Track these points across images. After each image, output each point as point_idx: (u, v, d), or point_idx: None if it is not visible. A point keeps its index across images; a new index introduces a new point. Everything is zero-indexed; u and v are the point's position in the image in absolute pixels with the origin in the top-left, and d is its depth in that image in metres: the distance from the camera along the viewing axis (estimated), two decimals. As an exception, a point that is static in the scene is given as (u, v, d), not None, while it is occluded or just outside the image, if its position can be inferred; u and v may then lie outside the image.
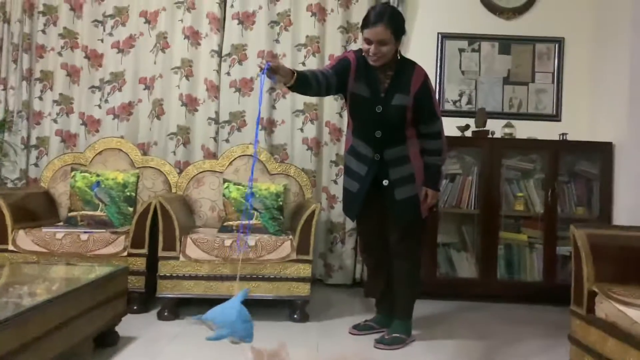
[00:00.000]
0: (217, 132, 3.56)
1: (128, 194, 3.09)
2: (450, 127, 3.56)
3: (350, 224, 3.52)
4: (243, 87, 3.57)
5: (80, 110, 3.56)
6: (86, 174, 3.11)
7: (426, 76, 2.40)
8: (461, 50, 3.69)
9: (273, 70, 1.95)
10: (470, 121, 3.53)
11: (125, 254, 2.74)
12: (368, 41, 2.27)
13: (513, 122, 3.52)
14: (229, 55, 3.57)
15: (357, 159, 2.45)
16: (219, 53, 3.55)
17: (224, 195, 3.08)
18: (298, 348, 2.24)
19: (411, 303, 2.52)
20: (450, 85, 3.69)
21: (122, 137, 3.46)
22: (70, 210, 3.05)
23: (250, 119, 3.57)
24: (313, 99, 3.51)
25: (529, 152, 3.44)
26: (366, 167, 2.41)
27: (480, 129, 3.46)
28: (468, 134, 3.48)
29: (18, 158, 3.48)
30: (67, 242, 2.72)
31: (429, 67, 3.64)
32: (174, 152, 3.53)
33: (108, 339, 2.22)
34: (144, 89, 3.57)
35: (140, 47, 3.56)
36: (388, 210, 2.44)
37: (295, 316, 2.73)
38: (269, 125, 3.58)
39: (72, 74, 3.56)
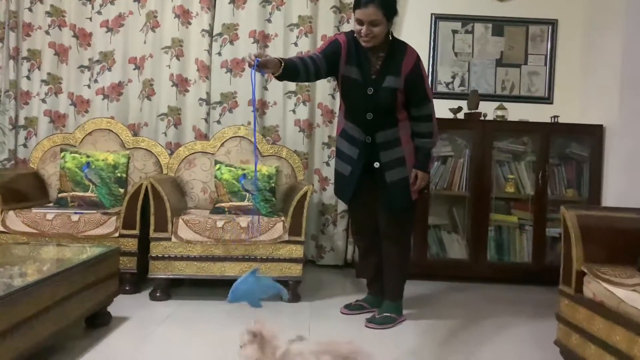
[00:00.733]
0: (208, 113, 3.53)
1: (119, 175, 3.06)
2: (443, 109, 3.55)
3: (342, 206, 3.52)
4: (234, 67, 3.53)
5: (69, 91, 3.51)
6: (76, 155, 3.07)
7: (418, 58, 2.38)
8: (454, 32, 3.66)
9: (262, 64, 1.97)
10: (463, 103, 3.53)
11: (116, 235, 2.73)
12: (359, 22, 2.25)
13: (505, 104, 3.52)
14: (220, 35, 3.52)
15: (348, 141, 2.45)
16: (209, 33, 3.50)
17: (215, 177, 3.07)
18: (290, 328, 2.26)
19: (401, 284, 2.54)
20: (443, 67, 3.67)
21: (112, 117, 3.42)
22: (60, 191, 3.02)
23: (242, 101, 3.54)
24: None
25: (520, 135, 3.45)
26: (357, 149, 2.41)
27: (473, 111, 3.46)
28: (460, 116, 3.48)
29: (6, 138, 3.43)
30: (57, 223, 2.70)
31: (422, 48, 3.61)
32: (165, 133, 3.49)
33: (100, 319, 2.22)
34: (134, 69, 3.52)
35: (129, 26, 3.49)
36: (379, 192, 2.44)
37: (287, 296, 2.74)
38: (261, 107, 3.55)
39: (61, 53, 3.50)
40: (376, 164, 2.39)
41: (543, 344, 2.22)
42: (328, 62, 2.29)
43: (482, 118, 3.44)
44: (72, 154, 3.07)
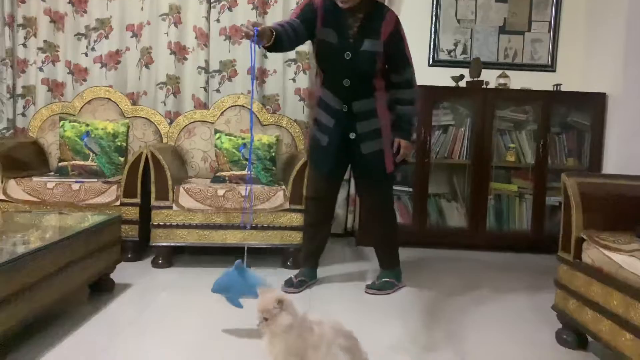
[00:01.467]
0: (207, 82, 3.48)
1: (118, 144, 3.04)
2: (445, 77, 3.51)
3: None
4: (233, 35, 3.47)
5: (67, 59, 3.45)
6: (75, 124, 3.04)
7: (398, 21, 2.28)
8: (457, -2, 3.59)
9: (260, 35, 1.91)
10: (465, 71, 3.48)
11: (117, 203, 2.73)
12: None
13: (508, 72, 3.48)
14: (218, 1, 3.45)
15: (325, 110, 2.36)
16: (208, -1, 3.43)
17: (215, 146, 3.05)
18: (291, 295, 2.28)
19: (396, 251, 2.53)
20: (445, 35, 3.60)
21: (110, 86, 3.38)
22: (60, 160, 3.01)
23: (241, 69, 3.49)
24: (305, 48, 3.42)
25: (522, 103, 3.41)
26: (334, 119, 2.33)
27: (475, 79, 3.41)
28: (462, 84, 3.44)
29: (4, 107, 3.40)
30: (58, 191, 2.70)
31: (424, 15, 3.55)
32: (164, 102, 3.45)
33: (104, 286, 2.24)
34: (132, 37, 3.45)
35: (126, -8, 3.42)
36: (356, 165, 2.39)
37: (288, 263, 2.77)
38: (261, 76, 3.51)
39: (57, 20, 3.43)
40: (352, 135, 2.32)
41: (540, 309, 2.25)
42: (306, 26, 2.20)
43: (484, 86, 3.40)
44: (72, 123, 3.05)
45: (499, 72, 3.47)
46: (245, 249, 1.62)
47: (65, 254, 1.84)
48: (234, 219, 2.70)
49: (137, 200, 2.75)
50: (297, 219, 2.73)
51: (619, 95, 3.17)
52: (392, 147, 2.34)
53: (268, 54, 3.48)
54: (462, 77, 3.42)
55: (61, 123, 3.05)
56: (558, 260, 1.98)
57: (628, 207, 1.91)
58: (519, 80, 3.47)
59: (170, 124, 3.28)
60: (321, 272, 2.68)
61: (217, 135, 3.07)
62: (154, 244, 2.69)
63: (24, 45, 3.41)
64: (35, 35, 3.41)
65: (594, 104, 3.32)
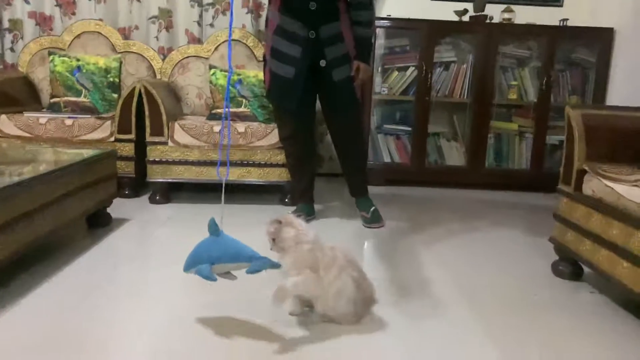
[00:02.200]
0: (200, 16, 3.34)
1: (111, 79, 2.95)
2: (447, 11, 3.38)
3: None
4: (227, -35, 3.30)
5: (53, -10, 3.30)
6: (65, 59, 2.94)
7: None
8: None
9: None
10: (469, 5, 3.34)
11: (112, 139, 2.68)
12: None
13: (513, 6, 3.34)
14: None
15: (288, 39, 2.21)
16: None
17: (210, 82, 2.96)
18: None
19: (367, 179, 2.54)
20: (449, -34, 3.43)
21: (100, 20, 3.24)
22: (52, 97, 2.93)
23: (236, 1, 3.33)
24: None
25: (526, 39, 3.30)
26: (300, 47, 2.20)
27: (479, 13, 3.28)
28: (465, 19, 3.31)
29: (-9, 42, 3.27)
30: (51, 127, 2.64)
31: (428, -57, 3.37)
32: (157, 37, 3.33)
33: (101, 220, 2.23)
34: (120, -34, 3.28)
35: None
36: (326, 94, 2.30)
37: (286, 200, 2.76)
38: (256, 9, 3.36)
39: (40, -52, 3.24)
40: (322, 62, 2.21)
41: (537, 244, 2.26)
42: None
43: (488, 21, 3.27)
44: (62, 58, 2.94)
45: (504, 6, 3.34)
46: (223, 185, 1.46)
47: (61, 185, 1.81)
48: (230, 156, 2.66)
49: (132, 136, 2.70)
50: None
51: (628, 30, 3.07)
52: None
53: (264, -15, 3.33)
54: (465, 11, 3.29)
55: (51, 58, 2.95)
56: (558, 193, 1.97)
57: (631, 139, 1.87)
58: (524, 15, 3.35)
59: (164, 59, 3.17)
60: (318, 208, 2.67)
61: (212, 71, 2.97)
62: (151, 180, 2.67)
63: (8, -25, 3.24)
64: (18, -36, 3.24)
65: (601, 40, 3.21)
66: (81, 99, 2.90)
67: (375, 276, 1.65)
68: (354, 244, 2.19)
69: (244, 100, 2.92)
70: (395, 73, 3.31)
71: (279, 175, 2.70)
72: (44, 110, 2.91)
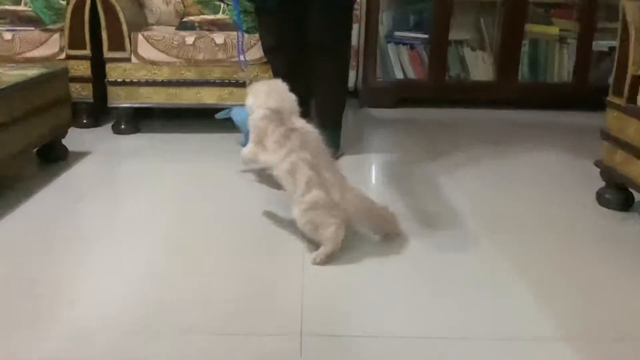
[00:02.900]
0: None
1: (56, -18, 2.82)
2: None
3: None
4: None
5: None
6: (-3, -44, 2.80)
7: None
8: None
9: None
10: None
11: (62, 56, 2.63)
12: None
13: None
14: None
15: None
16: None
17: (180, -18, 2.84)
18: None
19: (342, 109, 2.43)
20: None
21: None
22: (-15, 6, 2.82)
23: None
24: None
25: None
26: None
27: None
28: None
29: None
30: (-14, 43, 2.57)
31: None
32: None
33: (55, 153, 2.21)
34: None
35: None
36: None
37: None
38: None
39: None
40: None
41: (580, 165, 2.24)
42: None
43: None
44: (-7, -44, 2.80)
45: None
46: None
47: (1, 112, 1.76)
48: (208, 74, 2.61)
49: (87, 51, 2.64)
50: None
51: None
52: None
53: None
54: None
55: (-22, -45, 2.81)
56: (607, 107, 1.91)
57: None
58: None
59: (121, -45, 3.02)
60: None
61: (181, -33, 2.84)
62: (113, 105, 2.63)
63: None
64: None
65: None
66: (21, 7, 2.81)
67: (394, 208, 1.65)
68: (361, 176, 2.18)
69: (222, 5, 2.82)
70: (409, -35, 3.20)
71: None
72: (-23, 23, 2.81)
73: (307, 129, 1.58)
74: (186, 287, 1.33)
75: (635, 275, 1.45)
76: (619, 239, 1.66)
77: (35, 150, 2.15)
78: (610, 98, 1.91)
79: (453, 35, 3.24)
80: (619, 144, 1.83)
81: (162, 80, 2.60)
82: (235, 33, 2.63)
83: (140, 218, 1.73)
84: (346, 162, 2.28)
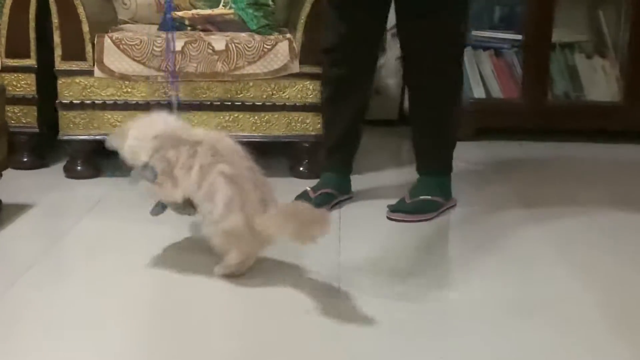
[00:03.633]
0: None
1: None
2: None
3: (392, 18, 3.43)
4: None
5: None
6: None
7: None
8: None
9: None
10: None
11: None
12: None
13: None
14: None
15: None
16: None
17: (163, -36, 2.96)
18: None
19: (451, 146, 2.55)
20: None
21: None
22: None
23: None
24: None
25: None
26: None
27: None
28: None
29: None
30: None
31: None
32: None
33: (-18, 208, 2.26)
34: None
35: None
36: None
37: (301, 169, 2.77)
38: None
39: None
40: None
41: None
42: None
43: None
44: None
45: None
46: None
47: None
48: (202, 94, 2.68)
49: (32, 62, 2.74)
50: (314, 90, 2.72)
51: None
52: None
53: None
54: None
55: None
56: None
57: None
58: None
59: None
60: (356, 181, 2.66)
61: (166, -57, 2.96)
62: (66, 138, 2.70)
63: None
64: None
65: None
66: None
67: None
68: (414, 250, 2.21)
69: (225, -3, 2.90)
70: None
71: (288, 126, 2.73)
72: None
73: (216, 135, 1.87)
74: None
75: None
76: None
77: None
78: None
79: (558, 36, 3.31)
80: None
81: (137, 102, 2.66)
82: (242, 34, 2.72)
83: (98, 310, 1.73)
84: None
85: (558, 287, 1.90)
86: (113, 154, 2.85)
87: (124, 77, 2.65)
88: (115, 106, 2.67)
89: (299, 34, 2.70)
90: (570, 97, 3.37)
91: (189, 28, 2.83)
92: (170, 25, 2.62)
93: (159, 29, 2.84)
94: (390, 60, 3.53)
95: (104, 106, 2.67)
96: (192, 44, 2.65)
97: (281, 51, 2.69)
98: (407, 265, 2.04)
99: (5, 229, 2.20)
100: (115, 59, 2.64)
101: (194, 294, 1.82)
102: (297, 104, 2.71)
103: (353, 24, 2.42)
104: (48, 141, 2.80)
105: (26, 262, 1.99)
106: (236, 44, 2.66)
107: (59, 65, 2.65)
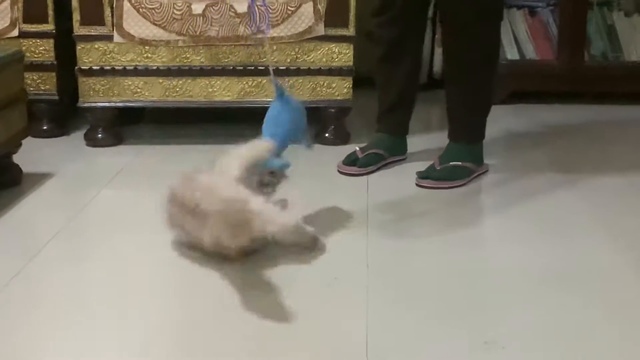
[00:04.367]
0: None
1: None
2: None
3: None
4: None
5: None
6: None
7: None
8: None
9: None
10: None
11: (14, 33, 2.72)
12: None
13: None
14: None
15: None
16: None
17: None
18: (330, 193, 2.36)
19: (484, 114, 2.54)
20: None
21: None
22: None
23: None
24: None
25: None
26: None
27: None
28: None
29: None
30: None
31: None
32: None
33: (2, 176, 2.26)
34: None
35: None
36: None
37: (326, 135, 2.78)
38: None
39: None
40: None
41: None
42: None
43: None
44: None
45: None
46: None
47: None
48: (225, 58, 2.68)
49: (50, 26, 2.75)
50: (341, 53, 2.74)
51: None
52: None
53: None
54: None
55: None
56: None
57: None
58: None
59: None
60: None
61: None
62: (86, 105, 2.70)
63: None
64: None
65: None
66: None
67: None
68: (443, 219, 2.21)
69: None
70: None
71: (313, 91, 2.74)
72: None
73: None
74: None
75: None
76: None
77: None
78: None
79: (595, -7, 3.28)
80: None
81: (158, 68, 2.67)
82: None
83: (120, 286, 1.73)
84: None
85: (595, 254, 1.88)
86: (136, 120, 2.93)
87: (144, 41, 2.66)
88: (135, 72, 2.68)
89: (325, -6, 2.69)
90: (608, 58, 3.34)
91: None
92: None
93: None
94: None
95: (124, 72, 2.68)
96: (214, 7, 2.65)
97: (305, 13, 2.68)
98: (437, 234, 2.02)
99: (26, 198, 2.21)
100: (135, 23, 2.65)
101: (213, 270, 1.79)
102: (322, 68, 2.71)
103: None
104: (68, 109, 2.81)
105: (47, 234, 2.00)
106: (258, 6, 2.65)
107: (78, 30, 2.66)
